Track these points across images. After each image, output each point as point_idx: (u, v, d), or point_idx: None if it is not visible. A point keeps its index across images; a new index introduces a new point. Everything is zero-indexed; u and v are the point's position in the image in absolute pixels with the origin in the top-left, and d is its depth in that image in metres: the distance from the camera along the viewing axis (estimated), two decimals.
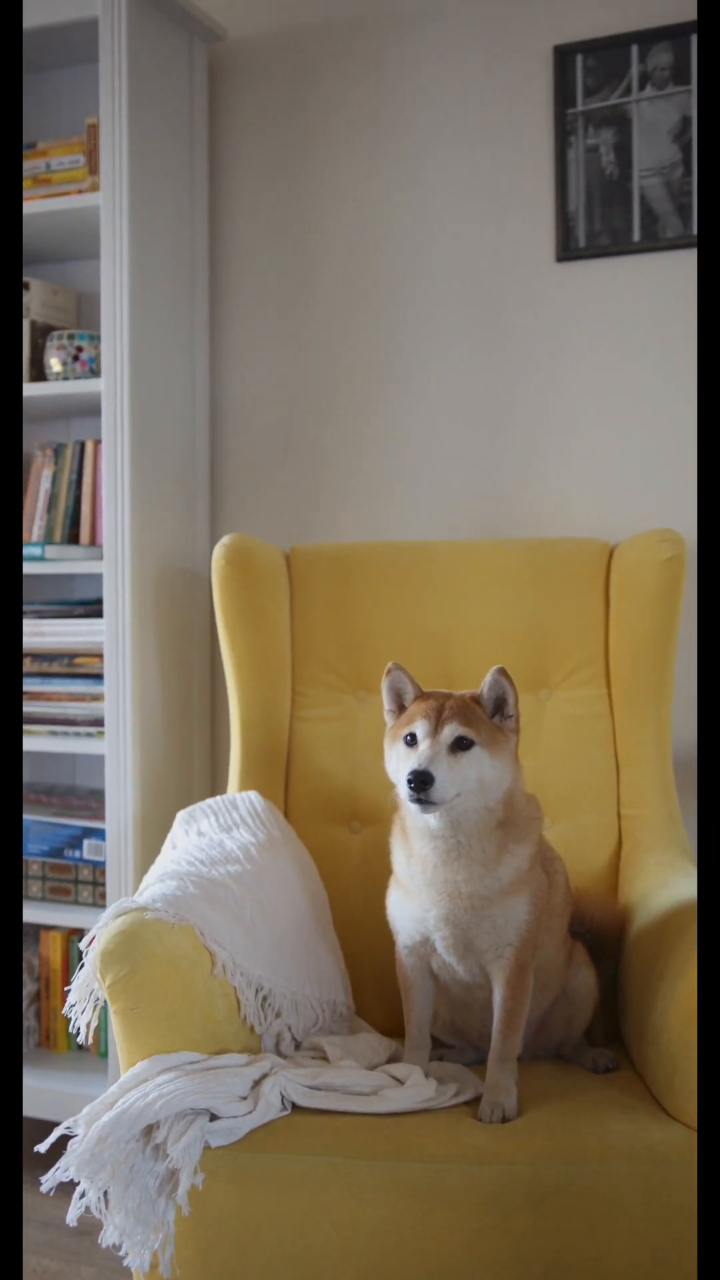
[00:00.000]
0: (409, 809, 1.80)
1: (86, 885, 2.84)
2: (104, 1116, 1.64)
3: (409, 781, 1.72)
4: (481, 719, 1.80)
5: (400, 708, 1.89)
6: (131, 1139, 1.63)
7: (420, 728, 1.79)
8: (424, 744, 1.77)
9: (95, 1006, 1.82)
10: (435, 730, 1.77)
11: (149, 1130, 1.65)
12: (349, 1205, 1.63)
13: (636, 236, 2.65)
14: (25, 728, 2.82)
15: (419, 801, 1.73)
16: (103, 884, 2.79)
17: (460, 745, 1.77)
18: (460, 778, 1.75)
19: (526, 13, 2.72)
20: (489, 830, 1.80)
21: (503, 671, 1.82)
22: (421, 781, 1.72)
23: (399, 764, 1.81)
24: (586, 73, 2.68)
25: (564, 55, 2.69)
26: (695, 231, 2.59)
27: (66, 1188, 1.66)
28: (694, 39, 2.58)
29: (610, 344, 2.69)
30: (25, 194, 2.84)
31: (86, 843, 2.84)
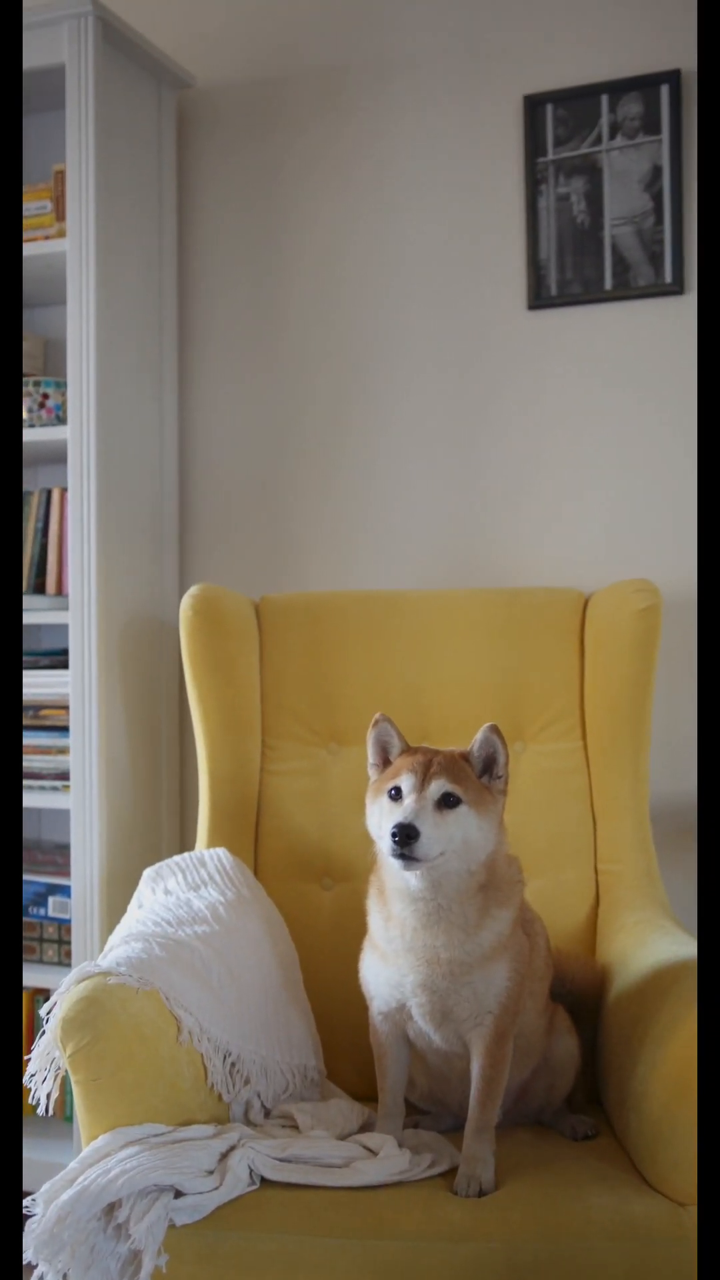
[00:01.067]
0: (390, 866, 1.74)
1: (52, 943, 2.77)
2: (63, 1195, 1.58)
3: (393, 835, 1.66)
4: (470, 777, 1.75)
5: (385, 761, 1.84)
6: (92, 1218, 1.57)
7: (406, 782, 1.73)
8: (409, 798, 1.71)
9: (56, 1076, 1.75)
10: (422, 785, 1.72)
11: (111, 1209, 1.58)
12: None
13: (608, 285, 2.64)
14: None
15: (402, 857, 1.67)
16: (68, 942, 2.72)
17: (447, 802, 1.71)
18: (445, 836, 1.70)
19: (497, 63, 2.72)
20: (470, 893, 1.75)
21: (495, 729, 1.77)
22: (406, 836, 1.66)
23: (382, 818, 1.75)
24: (557, 122, 2.67)
25: (534, 105, 2.68)
26: (667, 280, 2.58)
27: (25, 1268, 1.58)
28: (663, 89, 2.58)
29: (583, 392, 2.67)
30: None
31: (52, 899, 2.77)
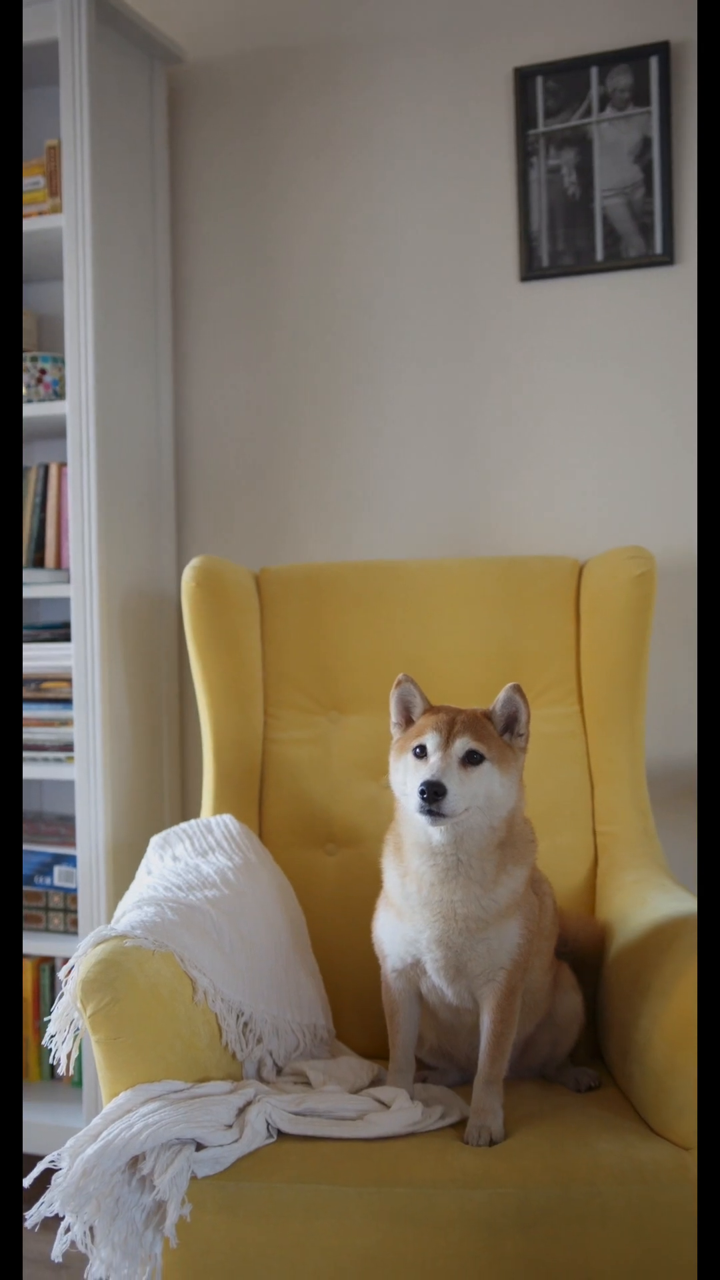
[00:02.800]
0: (414, 821, 1.78)
1: (58, 912, 2.81)
2: (88, 1149, 1.62)
3: (421, 792, 1.71)
4: (492, 735, 1.79)
5: (408, 720, 1.87)
6: (117, 1171, 1.61)
7: (431, 740, 1.77)
8: (435, 756, 1.76)
9: (76, 1037, 1.79)
10: (446, 743, 1.76)
11: (135, 1161, 1.63)
12: (338, 1233, 1.61)
13: (599, 256, 2.67)
14: None
15: (429, 813, 1.71)
16: (74, 911, 2.76)
17: (471, 760, 1.76)
18: (470, 792, 1.74)
19: (487, 35, 2.74)
20: (489, 850, 1.79)
21: (517, 689, 1.82)
22: (434, 792, 1.70)
23: (407, 776, 1.79)
24: (547, 94, 2.70)
25: (524, 77, 2.70)
26: (658, 250, 2.62)
27: (51, 1222, 1.63)
28: (652, 61, 2.61)
29: (575, 362, 2.71)
30: None
31: (58, 869, 2.81)
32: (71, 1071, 1.84)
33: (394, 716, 1.89)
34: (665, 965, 1.80)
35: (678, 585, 2.54)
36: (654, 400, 2.64)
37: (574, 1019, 2.02)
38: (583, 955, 2.12)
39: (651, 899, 2.06)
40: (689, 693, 2.58)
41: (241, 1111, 1.74)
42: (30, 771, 2.74)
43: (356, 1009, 2.21)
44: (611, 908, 2.19)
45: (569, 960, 2.09)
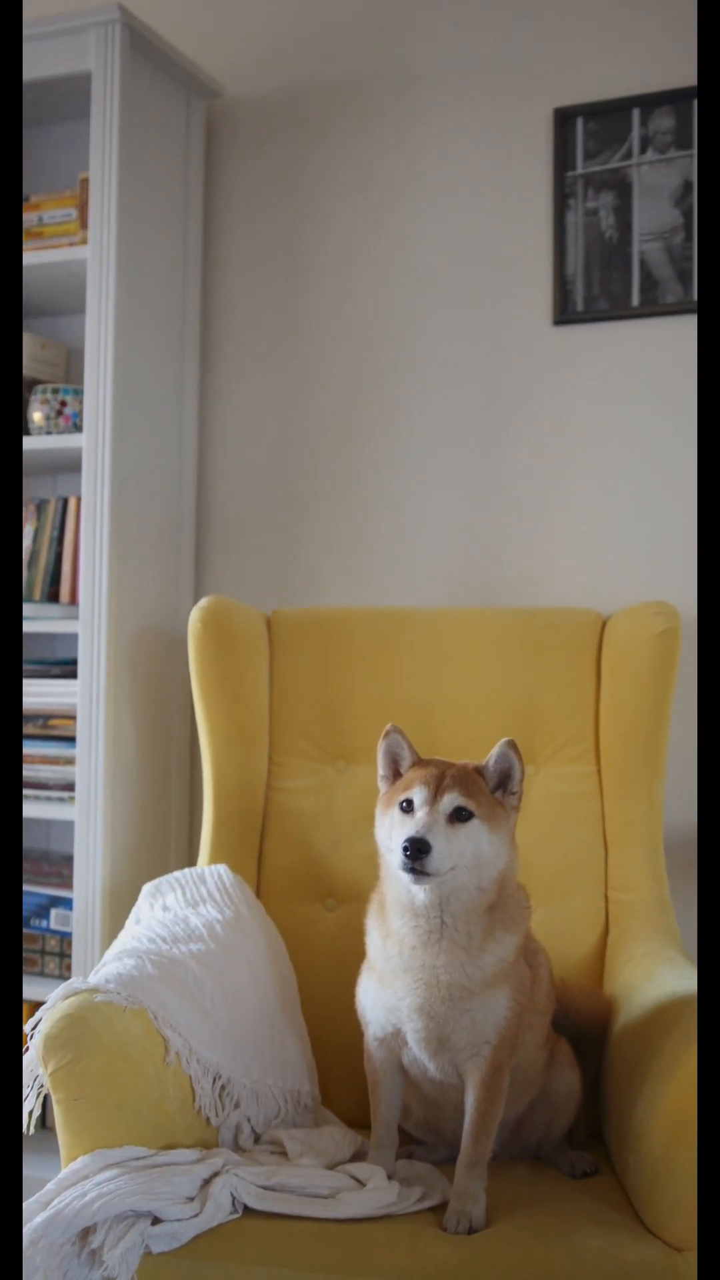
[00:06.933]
0: (398, 880, 1.69)
1: (53, 956, 2.73)
2: (37, 1217, 1.53)
3: (404, 849, 1.62)
4: (483, 791, 1.70)
5: (396, 773, 1.79)
6: (66, 1242, 1.53)
7: (418, 794, 1.69)
8: (421, 811, 1.67)
9: (39, 1094, 1.71)
10: (434, 798, 1.67)
11: (86, 1233, 1.54)
12: None
13: (635, 301, 2.59)
14: None
15: (413, 871, 1.63)
16: (70, 955, 2.68)
17: (459, 816, 1.67)
18: (456, 850, 1.65)
19: (527, 74, 2.68)
20: (477, 913, 1.70)
21: (512, 744, 1.73)
22: (418, 850, 1.61)
23: (392, 830, 1.71)
24: (587, 135, 2.63)
25: (565, 118, 2.64)
26: (695, 297, 2.53)
27: None
28: (695, 103, 2.54)
29: (607, 409, 2.62)
30: None
31: (54, 912, 2.73)
32: (34, 1129, 1.74)
33: (381, 769, 1.80)
34: (666, 1047, 1.68)
35: None
36: (687, 451, 2.54)
37: (570, 1098, 1.90)
38: (587, 1030, 2.00)
39: (659, 975, 1.94)
40: None
41: (207, 1183, 1.65)
42: (34, 810, 2.68)
43: (347, 1074, 2.10)
44: (619, 981, 2.07)
45: (572, 1035, 1.97)
